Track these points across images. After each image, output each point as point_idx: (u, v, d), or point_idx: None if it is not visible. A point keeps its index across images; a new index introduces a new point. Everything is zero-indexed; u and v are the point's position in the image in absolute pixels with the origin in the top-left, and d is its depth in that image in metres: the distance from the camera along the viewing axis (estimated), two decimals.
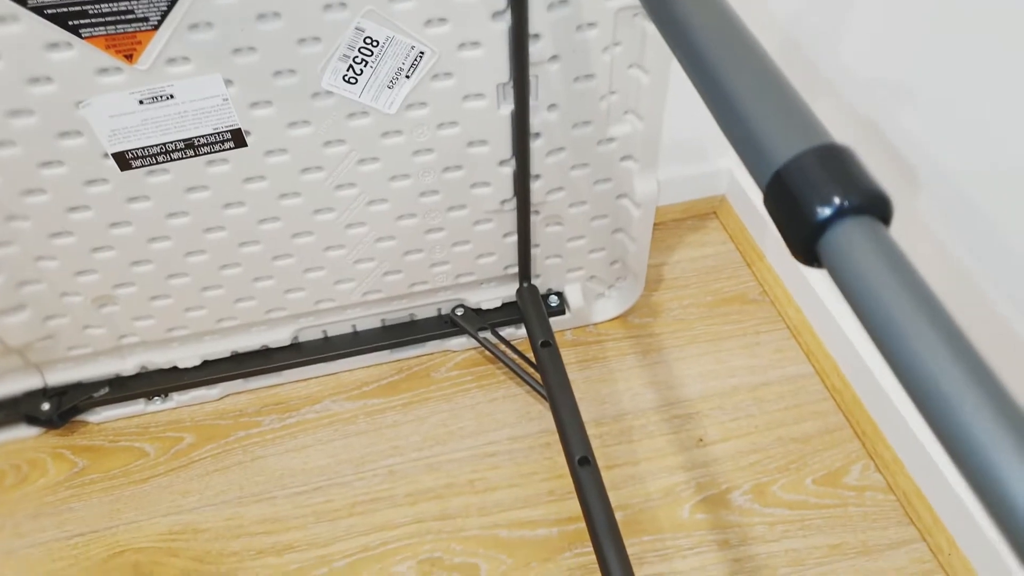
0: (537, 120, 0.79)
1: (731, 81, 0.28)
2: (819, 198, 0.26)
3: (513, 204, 0.87)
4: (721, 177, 1.16)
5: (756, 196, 1.10)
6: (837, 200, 0.26)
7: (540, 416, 0.96)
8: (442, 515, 0.87)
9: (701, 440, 0.93)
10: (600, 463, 0.91)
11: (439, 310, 1.00)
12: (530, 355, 0.96)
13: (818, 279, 0.99)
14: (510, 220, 0.89)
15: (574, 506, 0.87)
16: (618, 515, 0.86)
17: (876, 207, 0.26)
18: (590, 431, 0.94)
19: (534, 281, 0.99)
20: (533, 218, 0.90)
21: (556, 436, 0.94)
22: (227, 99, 0.68)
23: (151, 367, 0.96)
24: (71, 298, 0.84)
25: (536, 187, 0.86)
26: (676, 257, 1.13)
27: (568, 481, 0.90)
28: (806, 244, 0.26)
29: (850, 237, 0.26)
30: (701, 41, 0.27)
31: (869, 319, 0.26)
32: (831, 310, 0.96)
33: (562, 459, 0.92)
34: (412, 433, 0.95)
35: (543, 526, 0.86)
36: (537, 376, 0.94)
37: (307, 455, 0.93)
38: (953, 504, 0.79)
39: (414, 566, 0.83)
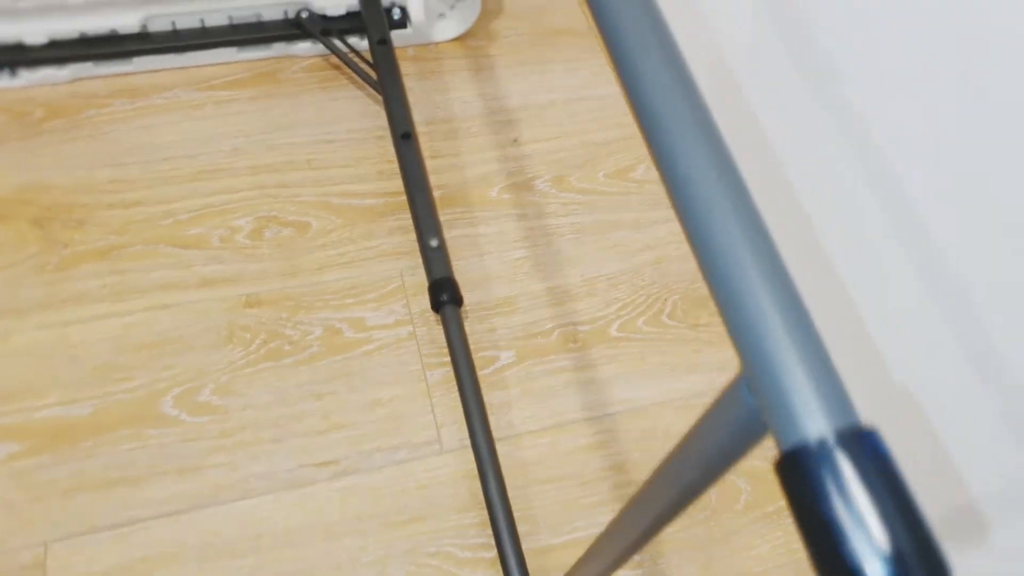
0: None
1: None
2: None
3: None
4: None
5: None
6: None
7: (378, 116, 1.06)
8: (280, 185, 0.98)
9: (516, 140, 1.06)
10: (426, 154, 1.03)
11: (285, 12, 1.07)
12: (372, 61, 1.04)
13: None
14: None
15: (400, 184, 0.99)
16: (436, 193, 1.00)
17: None
18: (421, 130, 1.05)
19: None
20: None
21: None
22: None
23: None
24: None
25: None
26: None
27: (397, 165, 1.01)
28: None
29: None
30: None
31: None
32: None
33: (394, 149, 1.03)
34: (256, 120, 1.03)
35: (370, 197, 0.99)
36: (374, 75, 1.03)
37: (156, 132, 1.01)
38: None
39: (252, 221, 0.94)
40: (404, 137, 0.94)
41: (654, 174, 1.04)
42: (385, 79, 0.98)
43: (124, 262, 0.90)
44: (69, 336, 0.84)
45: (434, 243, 0.86)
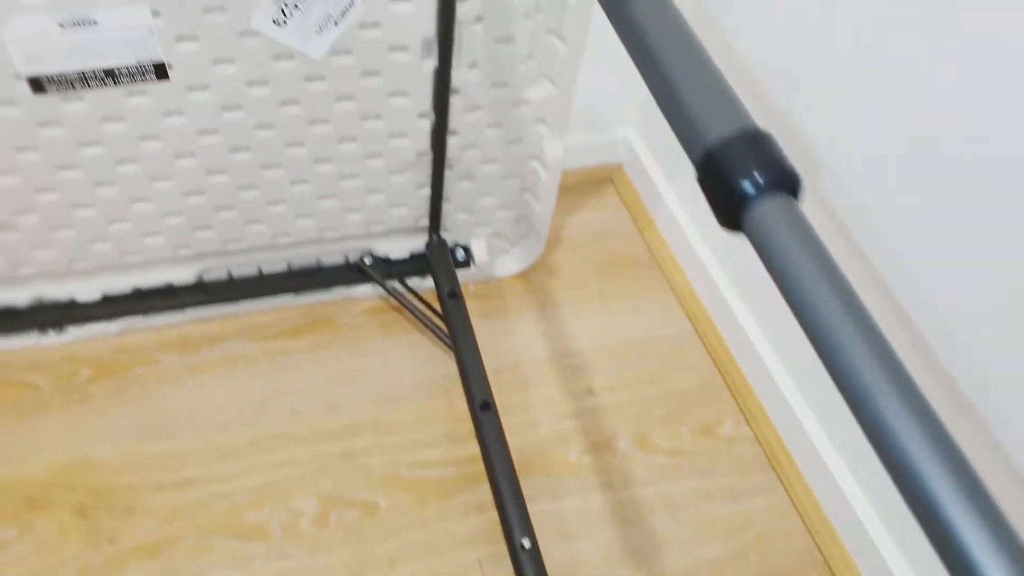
0: (458, 77, 0.82)
1: (671, 68, 0.32)
2: (744, 175, 0.31)
3: (429, 157, 0.90)
4: (619, 146, 1.22)
5: (651, 166, 1.17)
6: (759, 178, 0.31)
7: (442, 363, 1.00)
8: (344, 454, 0.91)
9: (590, 390, 1.00)
10: (497, 408, 0.97)
11: (346, 257, 1.02)
12: (435, 305, 0.99)
13: (703, 246, 1.08)
14: (424, 172, 0.92)
15: (472, 448, 0.92)
16: (512, 457, 0.92)
17: (789, 185, 0.31)
18: (488, 378, 0.99)
19: (442, 234, 1.02)
20: (447, 172, 0.93)
21: (457, 382, 0.98)
22: (153, 31, 0.67)
23: (47, 299, 0.93)
24: None
25: (452, 142, 0.89)
26: (574, 220, 1.19)
27: (466, 424, 0.94)
28: (731, 214, 0.32)
29: (769, 210, 0.31)
30: (650, 36, 0.31)
31: (780, 277, 0.32)
32: (712, 275, 1.04)
33: (462, 403, 0.96)
34: (315, 375, 0.97)
35: (441, 466, 0.91)
36: (441, 325, 0.98)
37: (208, 393, 0.94)
38: (810, 453, 0.89)
39: (316, 502, 0.86)
40: (483, 408, 0.88)
41: (743, 431, 0.98)
42: (459, 338, 0.93)
43: (177, 559, 0.81)
44: None
45: (526, 544, 0.78)
